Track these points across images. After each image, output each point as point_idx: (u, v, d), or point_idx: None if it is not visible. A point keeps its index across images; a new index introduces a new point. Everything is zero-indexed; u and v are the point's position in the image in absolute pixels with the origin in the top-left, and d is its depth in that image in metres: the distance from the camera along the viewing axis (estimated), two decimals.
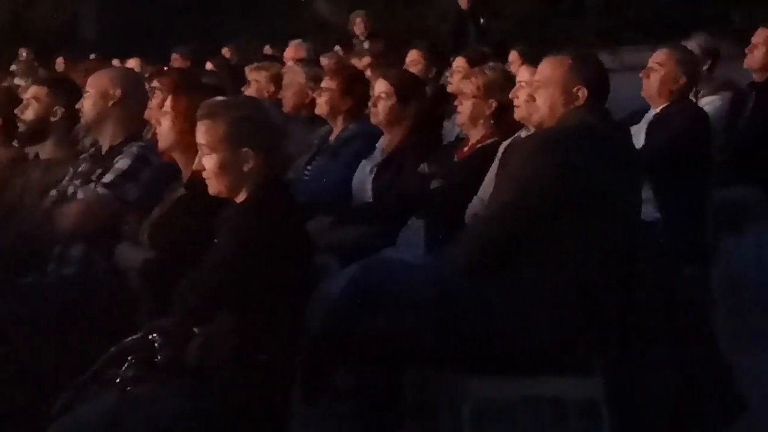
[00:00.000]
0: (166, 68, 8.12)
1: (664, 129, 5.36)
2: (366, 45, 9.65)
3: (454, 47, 10.25)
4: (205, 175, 3.60)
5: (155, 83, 5.26)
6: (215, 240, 3.54)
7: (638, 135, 5.33)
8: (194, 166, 3.63)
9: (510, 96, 4.50)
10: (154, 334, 3.48)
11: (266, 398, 3.45)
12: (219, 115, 3.57)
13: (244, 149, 3.51)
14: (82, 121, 4.74)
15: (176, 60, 10.37)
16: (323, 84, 5.74)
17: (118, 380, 3.42)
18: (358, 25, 12.25)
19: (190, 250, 3.76)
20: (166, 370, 3.44)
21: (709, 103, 6.28)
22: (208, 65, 9.24)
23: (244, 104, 3.76)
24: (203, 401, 3.41)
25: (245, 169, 3.52)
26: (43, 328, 4.13)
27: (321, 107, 5.68)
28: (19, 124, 4.96)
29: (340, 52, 10.03)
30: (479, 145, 4.86)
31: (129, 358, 3.45)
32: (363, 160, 5.36)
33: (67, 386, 3.56)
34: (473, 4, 12.00)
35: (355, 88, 5.67)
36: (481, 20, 12.04)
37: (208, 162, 3.56)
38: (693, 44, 6.62)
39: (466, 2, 12.10)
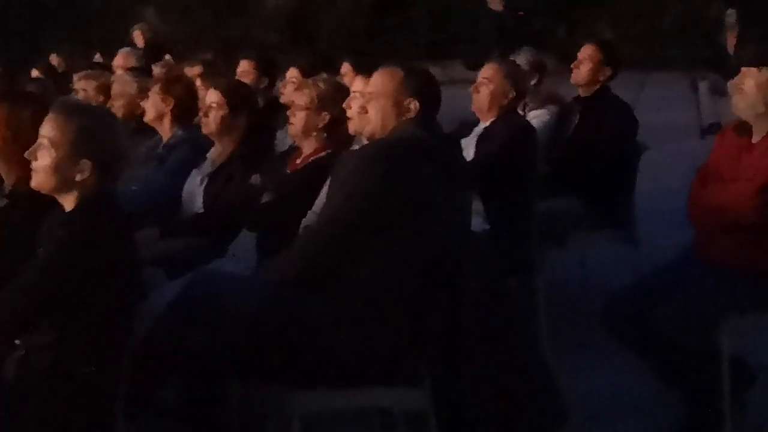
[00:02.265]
0: None
1: (491, 142, 5.47)
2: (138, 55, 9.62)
3: (502, 49, 10.16)
4: (33, 166, 3.48)
5: None
6: (39, 250, 3.44)
7: (468, 148, 5.43)
8: (25, 155, 3.51)
9: (344, 106, 4.51)
10: None
11: (87, 414, 3.36)
12: (72, 116, 3.47)
13: (84, 160, 3.42)
14: None
15: None
16: (151, 91, 5.74)
17: None
18: (137, 36, 12.38)
19: (11, 260, 3.65)
20: None
21: (536, 116, 6.44)
22: (34, 72, 9.02)
23: (99, 115, 3.65)
24: (20, 417, 3.30)
25: (77, 178, 3.43)
26: None
27: (148, 112, 5.74)
28: None
29: (171, 62, 9.92)
30: (312, 158, 4.85)
31: None
32: (194, 170, 5.30)
33: None
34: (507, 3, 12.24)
35: (175, 88, 5.69)
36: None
37: (43, 157, 3.45)
38: (521, 59, 6.78)
39: (499, 3, 12.34)
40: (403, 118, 3.98)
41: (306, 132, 4.86)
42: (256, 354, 3.68)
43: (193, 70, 7.92)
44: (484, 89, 5.67)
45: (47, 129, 3.46)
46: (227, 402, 3.74)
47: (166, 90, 5.70)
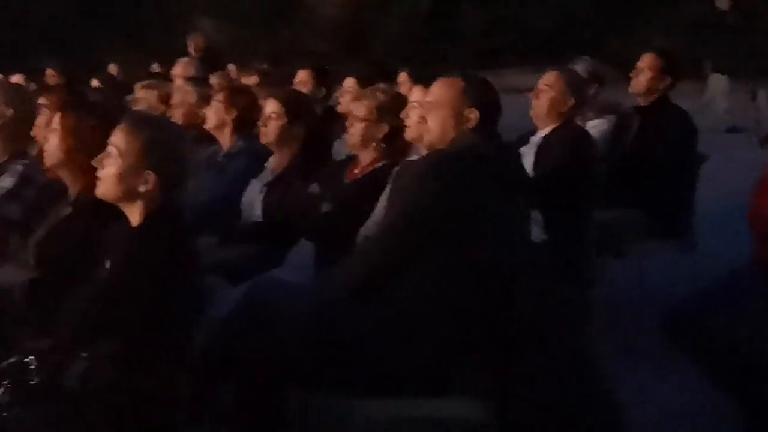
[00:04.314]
0: (53, 86, 8.00)
1: (551, 152, 5.44)
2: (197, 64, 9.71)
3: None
4: (99, 174, 3.52)
5: (43, 100, 5.17)
6: (105, 262, 3.47)
7: (527, 157, 5.41)
8: (93, 161, 3.56)
9: (402, 116, 4.52)
10: (31, 357, 3.39)
11: (150, 423, 3.38)
12: (142, 128, 3.51)
13: (148, 171, 3.46)
14: None
15: (51, 76, 10.23)
16: (214, 98, 5.80)
17: None
18: (193, 45, 12.48)
19: (74, 270, 3.70)
20: (42, 394, 3.35)
21: (594, 126, 6.41)
22: (94, 82, 9.13)
23: (168, 129, 3.69)
24: (82, 427, 3.34)
25: (141, 189, 3.46)
26: None
27: (210, 120, 5.76)
28: None
29: (234, 70, 10.01)
30: (370, 168, 4.85)
31: (5, 382, 3.36)
32: (252, 180, 5.34)
33: None
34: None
35: (238, 99, 5.74)
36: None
37: (110, 166, 3.49)
38: (579, 68, 6.75)
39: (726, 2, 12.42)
40: (463, 128, 3.97)
41: (365, 142, 4.85)
42: (314, 362, 3.69)
43: (249, 80, 8.00)
44: (544, 96, 5.66)
45: (117, 138, 3.51)
46: (286, 410, 3.75)
47: (230, 100, 5.75)
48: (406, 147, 4.76)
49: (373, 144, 4.83)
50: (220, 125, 5.77)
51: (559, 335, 3.86)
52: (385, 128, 4.81)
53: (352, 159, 5.14)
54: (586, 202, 5.44)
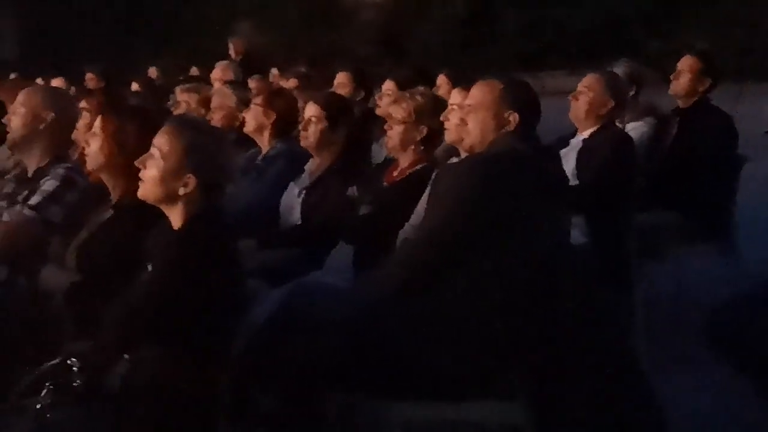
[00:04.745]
0: (93, 89, 8.06)
1: (592, 155, 5.43)
2: (236, 67, 9.73)
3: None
4: (141, 175, 3.56)
5: (83, 104, 5.21)
6: (148, 265, 3.50)
7: (567, 160, 5.40)
8: (135, 162, 3.59)
9: (441, 118, 4.52)
10: (73, 359, 3.42)
11: (190, 424, 3.41)
12: (184, 131, 3.54)
13: (188, 175, 3.49)
14: (8, 138, 4.63)
15: (91, 79, 10.31)
16: (253, 102, 5.83)
17: (37, 407, 3.36)
18: (233, 48, 12.52)
19: (116, 273, 3.72)
20: (85, 395, 3.38)
21: (634, 128, 6.38)
22: (134, 85, 9.19)
23: (210, 134, 3.71)
24: (124, 428, 3.36)
25: (181, 191, 3.49)
26: None
27: (249, 124, 5.79)
28: None
29: (275, 74, 10.03)
30: (409, 171, 4.86)
31: (47, 383, 3.39)
32: (291, 183, 5.35)
33: None
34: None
35: (277, 102, 5.75)
36: None
37: (151, 167, 3.53)
38: (618, 70, 6.73)
39: None
40: (503, 131, 3.97)
41: (403, 145, 4.87)
42: (354, 365, 3.70)
43: (288, 83, 8.02)
44: (583, 98, 5.65)
45: (160, 140, 3.54)
46: (325, 412, 3.76)
47: (269, 103, 5.76)
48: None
49: (412, 146, 4.84)
50: (259, 128, 5.78)
51: (599, 339, 3.84)
52: (423, 131, 4.82)
53: (390, 162, 5.15)
54: (626, 205, 5.42)
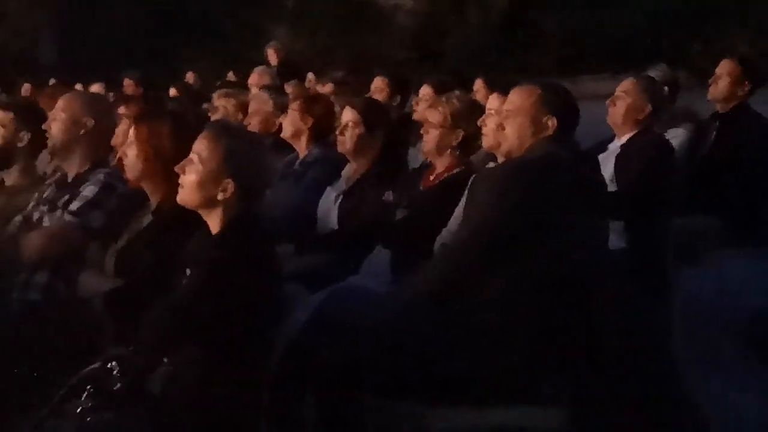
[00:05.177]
0: (132, 95, 8.12)
1: (631, 160, 5.41)
2: (272, 73, 9.74)
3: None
4: (180, 180, 3.58)
5: (122, 110, 5.25)
6: (186, 270, 3.52)
7: (605, 165, 5.37)
8: (175, 168, 3.61)
9: (479, 123, 4.52)
10: (113, 363, 3.45)
11: (230, 428, 3.42)
12: (223, 137, 3.56)
13: (227, 180, 3.51)
14: (49, 144, 4.65)
15: (129, 85, 10.38)
16: (290, 107, 5.85)
17: (78, 410, 3.39)
18: (271, 54, 12.54)
19: (155, 278, 3.75)
20: (125, 399, 3.40)
21: (674, 135, 6.35)
22: (172, 91, 9.24)
23: (248, 139, 3.74)
24: (164, 431, 3.39)
25: (220, 196, 3.51)
26: (4, 355, 4.08)
27: (286, 129, 5.81)
28: None
29: (312, 79, 10.06)
30: (445, 175, 4.86)
31: (88, 387, 3.42)
32: (328, 188, 5.36)
33: (27, 415, 3.52)
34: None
35: (314, 107, 5.76)
36: None
37: (191, 172, 3.55)
38: (656, 75, 6.69)
39: None
40: (541, 136, 3.95)
41: (440, 149, 4.87)
42: (392, 370, 3.70)
43: (325, 88, 8.04)
44: (620, 103, 5.63)
45: (199, 146, 3.56)
46: (364, 418, 3.76)
47: (306, 108, 5.78)
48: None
49: (448, 151, 4.84)
50: (297, 134, 5.80)
51: (638, 344, 3.83)
52: (459, 135, 4.82)
53: (427, 167, 5.15)
54: (664, 210, 5.40)
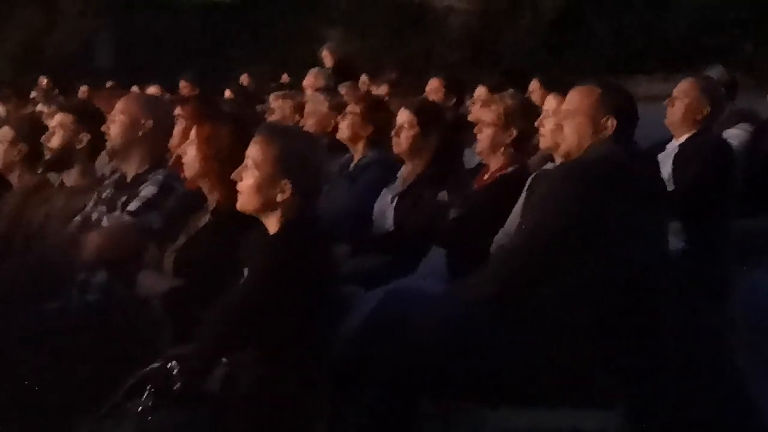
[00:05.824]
0: (187, 96, 8.17)
1: (690, 161, 5.37)
2: (327, 75, 9.73)
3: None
4: (238, 187, 3.60)
5: (178, 111, 5.28)
6: (244, 270, 3.53)
7: (663, 165, 5.33)
8: (232, 176, 3.63)
9: (536, 124, 4.51)
10: (173, 362, 3.47)
11: (288, 427, 3.44)
12: (276, 138, 3.59)
13: (284, 180, 3.52)
14: (108, 145, 4.70)
15: (185, 87, 10.44)
16: (348, 109, 5.80)
17: (139, 410, 3.42)
18: (326, 56, 12.54)
19: (214, 278, 3.77)
20: (184, 398, 3.43)
21: (731, 136, 6.29)
22: (227, 93, 9.30)
23: (302, 139, 3.77)
24: (223, 430, 3.40)
25: (278, 198, 3.53)
26: (65, 355, 4.12)
27: (342, 132, 5.76)
28: (44, 152, 4.96)
29: (367, 81, 10.07)
30: (499, 174, 4.85)
31: (148, 387, 3.45)
32: (384, 189, 5.36)
33: (87, 415, 3.55)
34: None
35: (377, 115, 5.71)
36: None
37: (248, 177, 3.57)
38: (714, 75, 6.64)
39: None
40: (600, 137, 3.93)
41: (493, 148, 4.86)
42: (449, 371, 3.69)
43: (379, 90, 8.04)
44: (679, 104, 5.60)
45: (252, 150, 3.58)
46: (419, 418, 3.76)
47: (368, 116, 5.69)
48: (535, 153, 4.74)
49: (501, 149, 4.84)
50: (354, 138, 5.75)
51: (698, 347, 3.80)
52: (513, 133, 4.81)
53: (482, 167, 5.14)
54: (724, 211, 5.35)
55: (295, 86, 9.21)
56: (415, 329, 3.87)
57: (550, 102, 4.60)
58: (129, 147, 4.60)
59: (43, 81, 13.60)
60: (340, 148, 5.99)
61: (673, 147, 5.58)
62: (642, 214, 3.78)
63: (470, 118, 6.61)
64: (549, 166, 4.53)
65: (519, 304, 3.72)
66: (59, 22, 20.02)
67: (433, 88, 7.63)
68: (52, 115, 5.42)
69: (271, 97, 7.44)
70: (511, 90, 5.40)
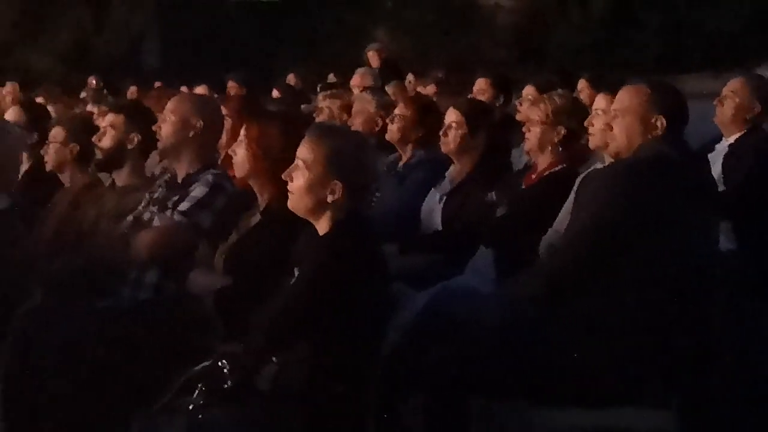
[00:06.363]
0: (233, 96, 8.21)
1: (740, 161, 5.34)
2: (374, 74, 9.71)
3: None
4: (289, 187, 3.61)
5: (225, 111, 5.31)
6: (296, 269, 3.55)
7: (713, 164, 5.30)
8: (282, 176, 3.65)
9: (585, 124, 4.50)
10: (224, 361, 3.50)
11: (338, 426, 3.45)
12: (326, 138, 3.60)
13: (335, 181, 3.53)
14: (159, 146, 4.72)
15: (232, 87, 10.48)
16: (397, 111, 5.77)
17: (190, 407, 3.45)
18: (372, 56, 12.51)
19: (265, 277, 3.79)
20: (235, 396, 3.46)
21: None
22: (274, 92, 9.33)
23: (352, 139, 3.78)
24: (274, 428, 3.42)
25: (329, 199, 3.54)
26: (117, 353, 4.17)
27: (392, 134, 5.74)
28: (96, 151, 5.00)
29: (412, 80, 10.06)
30: (547, 172, 4.84)
31: (199, 385, 3.47)
32: (432, 189, 5.36)
33: (139, 412, 3.59)
34: None
35: (427, 118, 5.69)
36: None
37: (298, 178, 3.58)
38: (765, 73, 6.57)
39: None
40: (650, 136, 3.91)
41: (541, 146, 4.85)
42: (499, 370, 3.69)
43: (426, 89, 8.04)
44: (729, 102, 5.57)
45: (302, 151, 3.59)
46: (469, 417, 3.76)
47: (418, 119, 5.69)
48: (583, 151, 4.73)
49: (549, 148, 4.83)
50: (404, 140, 5.73)
51: (750, 346, 3.77)
52: (561, 132, 4.80)
53: (530, 167, 5.13)
54: None
55: (343, 85, 9.22)
56: (465, 328, 3.88)
57: (600, 101, 4.58)
58: (180, 147, 4.62)
59: (93, 81, 13.72)
60: (387, 147, 5.99)
61: (722, 146, 5.55)
62: (692, 214, 3.76)
63: (518, 117, 6.61)
64: (598, 165, 4.52)
65: (569, 302, 3.72)
66: (105, 25, 20.18)
67: (481, 88, 7.61)
68: (102, 115, 5.47)
69: (319, 96, 7.46)
70: (559, 89, 5.39)
